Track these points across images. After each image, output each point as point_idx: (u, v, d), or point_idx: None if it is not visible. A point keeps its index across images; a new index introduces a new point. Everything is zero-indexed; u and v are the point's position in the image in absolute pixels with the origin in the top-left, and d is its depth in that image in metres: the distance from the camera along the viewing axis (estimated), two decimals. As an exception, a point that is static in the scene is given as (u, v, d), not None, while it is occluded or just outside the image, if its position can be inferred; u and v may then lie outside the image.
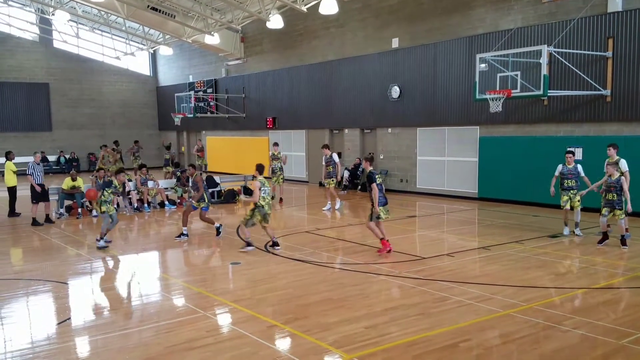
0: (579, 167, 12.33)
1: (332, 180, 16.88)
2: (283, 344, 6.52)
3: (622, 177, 10.92)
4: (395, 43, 21.12)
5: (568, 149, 12.78)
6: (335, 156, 17.11)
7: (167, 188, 18.93)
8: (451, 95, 18.94)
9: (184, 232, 12.80)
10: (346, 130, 23.88)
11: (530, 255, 10.69)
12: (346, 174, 22.39)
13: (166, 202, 18.15)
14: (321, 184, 18.76)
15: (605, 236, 11.26)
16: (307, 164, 26.05)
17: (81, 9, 28.97)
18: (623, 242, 10.97)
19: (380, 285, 8.76)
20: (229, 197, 19.53)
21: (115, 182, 12.14)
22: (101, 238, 11.80)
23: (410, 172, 20.87)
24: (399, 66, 20.79)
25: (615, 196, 10.84)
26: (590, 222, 13.25)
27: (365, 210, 17.80)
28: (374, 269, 9.73)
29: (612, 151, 11.88)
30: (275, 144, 19.48)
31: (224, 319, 7.45)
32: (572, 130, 16.03)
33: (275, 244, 11.36)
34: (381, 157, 22.06)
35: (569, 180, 12.26)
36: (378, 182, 10.58)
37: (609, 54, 14.85)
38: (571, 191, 12.26)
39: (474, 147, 18.53)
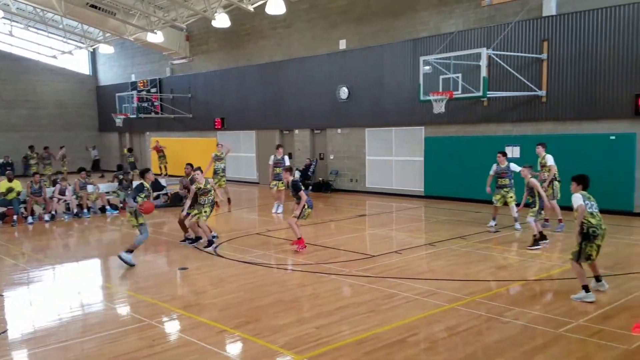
0: (512, 165, 12.95)
1: (282, 183, 16.74)
2: (233, 349, 6.53)
3: (533, 179, 11.23)
4: (343, 44, 21.39)
5: (500, 151, 13.40)
6: (286, 158, 16.88)
7: (108, 192, 18.37)
8: (397, 96, 19.37)
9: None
10: (296, 131, 24.00)
11: (472, 250, 11.13)
12: (297, 174, 22.46)
13: (107, 207, 17.58)
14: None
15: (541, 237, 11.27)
16: (258, 165, 26.00)
17: (15, 6, 27.81)
18: (535, 241, 10.95)
19: (331, 285, 8.91)
20: (176, 201, 19.17)
21: (146, 183, 10.63)
22: (131, 251, 10.39)
23: (360, 172, 21.21)
24: (347, 67, 21.07)
25: (529, 198, 11.24)
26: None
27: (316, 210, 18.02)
28: (325, 269, 9.88)
29: (540, 149, 12.75)
30: (220, 145, 19.25)
31: (171, 327, 7.32)
32: (510, 129, 16.72)
33: (193, 241, 11.96)
34: (331, 157, 22.32)
35: (502, 179, 12.95)
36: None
37: (544, 56, 15.58)
38: (504, 189, 12.93)
39: (420, 146, 19.03)
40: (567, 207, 12.81)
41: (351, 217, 15.76)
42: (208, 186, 11.77)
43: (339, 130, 22.02)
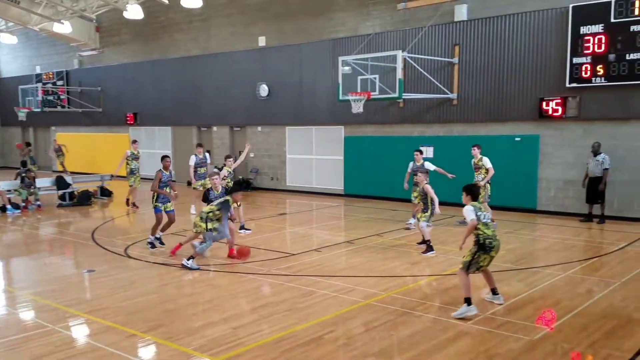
0: (426, 163, 13.23)
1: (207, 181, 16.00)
2: (144, 353, 6.30)
3: (427, 185, 11.00)
4: (262, 41, 21.23)
5: (416, 149, 13.72)
6: (207, 156, 16.11)
7: (9, 190, 17.20)
8: (317, 95, 19.51)
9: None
10: (215, 128, 23.56)
11: (388, 247, 11.40)
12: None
13: (8, 206, 16.45)
14: (189, 184, 18.18)
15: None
16: (174, 162, 25.26)
17: None
18: (428, 248, 10.69)
19: (248, 285, 8.81)
20: (84, 199, 18.32)
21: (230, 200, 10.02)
22: (193, 258, 9.71)
23: (281, 170, 21.16)
24: (268, 65, 20.95)
25: (422, 203, 11.11)
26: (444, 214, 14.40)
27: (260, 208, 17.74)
28: (243, 268, 9.75)
29: (476, 151, 13.17)
30: (134, 141, 18.16)
31: (77, 332, 6.95)
32: (424, 130, 17.30)
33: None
34: (251, 155, 22.10)
35: (417, 177, 13.15)
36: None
37: (456, 60, 16.23)
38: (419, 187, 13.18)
39: (340, 146, 19.27)
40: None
41: (271, 216, 15.68)
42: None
43: (259, 128, 21.86)
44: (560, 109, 14.50)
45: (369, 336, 6.53)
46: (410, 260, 10.34)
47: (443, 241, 11.83)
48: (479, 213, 7.20)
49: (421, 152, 13.49)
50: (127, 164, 17.44)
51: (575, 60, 14.05)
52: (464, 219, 7.40)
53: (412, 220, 13.42)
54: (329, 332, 6.62)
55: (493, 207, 15.14)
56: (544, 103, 14.71)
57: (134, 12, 22.14)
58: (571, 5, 14.03)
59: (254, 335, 6.54)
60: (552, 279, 8.84)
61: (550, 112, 14.65)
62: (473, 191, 7.49)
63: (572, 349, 6.12)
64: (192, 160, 15.51)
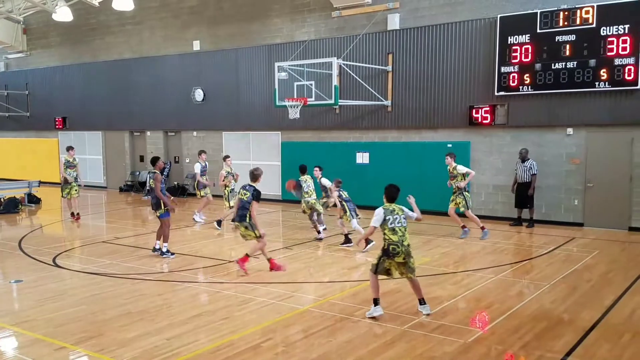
0: (324, 180, 12.82)
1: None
2: (76, 365, 6.07)
3: (335, 193, 11.82)
4: (196, 45, 20.93)
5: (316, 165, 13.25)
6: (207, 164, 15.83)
7: None
8: (254, 100, 19.41)
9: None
10: (148, 133, 22.98)
11: (327, 252, 11.48)
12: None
13: None
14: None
15: (347, 239, 11.91)
16: (105, 168, 24.50)
17: None
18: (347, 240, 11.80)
19: (184, 293, 8.63)
20: (10, 207, 17.46)
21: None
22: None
23: (217, 176, 20.79)
24: (202, 69, 20.66)
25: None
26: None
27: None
28: (179, 276, 9.55)
29: (449, 159, 13.00)
30: (70, 148, 16.46)
31: (4, 345, 6.65)
32: (360, 136, 17.55)
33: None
34: (187, 160, 21.74)
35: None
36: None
37: (389, 68, 16.58)
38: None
39: (277, 151, 19.23)
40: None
41: (207, 222, 15.43)
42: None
43: (195, 133, 21.51)
44: (489, 116, 15.07)
45: (307, 343, 6.54)
46: (347, 265, 10.44)
47: (379, 245, 11.95)
48: (388, 217, 7.19)
49: (321, 169, 13.06)
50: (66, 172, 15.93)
51: (504, 69, 14.66)
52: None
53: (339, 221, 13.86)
54: (267, 340, 6.58)
55: (424, 212, 15.57)
56: (474, 111, 15.25)
57: (63, 14, 21.40)
58: (499, 16, 14.64)
59: (190, 346, 6.41)
60: (484, 282, 9.14)
61: (480, 120, 15.20)
62: (386, 191, 7.50)
63: (505, 350, 6.32)
64: (198, 168, 15.38)
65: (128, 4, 19.61)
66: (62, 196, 16.11)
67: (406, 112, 16.50)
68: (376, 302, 7.34)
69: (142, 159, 23.46)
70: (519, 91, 14.48)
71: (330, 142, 18.04)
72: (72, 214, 15.85)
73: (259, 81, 19.23)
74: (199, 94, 20.73)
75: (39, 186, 19.97)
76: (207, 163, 15.79)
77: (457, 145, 15.71)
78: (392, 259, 7.17)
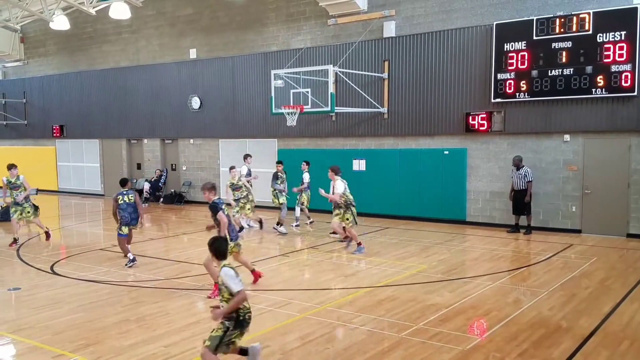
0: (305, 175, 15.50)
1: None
2: (74, 373, 6.05)
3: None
4: (193, 54, 20.97)
5: (304, 160, 15.63)
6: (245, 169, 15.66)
7: None
8: (250, 108, 19.44)
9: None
10: (145, 141, 22.98)
11: (324, 259, 11.46)
12: (147, 185, 21.60)
13: None
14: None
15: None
16: (102, 175, 24.47)
17: None
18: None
19: (182, 301, 8.60)
20: (8, 214, 17.34)
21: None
22: (281, 224, 13.92)
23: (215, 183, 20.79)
24: (199, 77, 20.70)
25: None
26: (371, 227, 14.65)
27: (168, 223, 17.37)
28: (176, 284, 9.53)
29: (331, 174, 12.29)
30: (12, 167, 13.38)
31: (2, 353, 6.64)
32: (356, 143, 17.57)
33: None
34: (184, 168, 21.73)
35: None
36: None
37: (385, 75, 16.62)
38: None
39: (274, 158, 19.18)
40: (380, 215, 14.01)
41: (204, 230, 15.35)
42: (239, 183, 14.11)
43: (192, 141, 21.52)
44: (485, 123, 15.10)
45: (305, 350, 6.52)
46: (344, 272, 10.43)
47: (376, 252, 12.02)
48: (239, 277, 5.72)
49: (308, 164, 15.43)
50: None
51: (500, 76, 14.70)
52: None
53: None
54: (264, 347, 6.53)
55: (420, 220, 15.98)
56: (471, 117, 15.28)
57: (60, 23, 21.48)
58: (495, 23, 14.69)
59: (187, 353, 6.39)
60: (482, 289, 9.12)
61: (476, 127, 15.23)
62: (215, 246, 5.97)
63: (503, 358, 6.30)
64: (245, 170, 15.55)
65: (124, 12, 19.69)
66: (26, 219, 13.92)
67: (403, 119, 16.53)
68: None
69: (139, 166, 23.44)
70: (516, 98, 14.52)
71: (326, 149, 18.06)
72: (14, 239, 13.29)
73: (255, 89, 19.27)
74: (195, 102, 20.75)
75: (36, 194, 19.91)
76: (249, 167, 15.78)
77: (453, 152, 15.76)
78: (245, 329, 5.65)
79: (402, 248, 12.53)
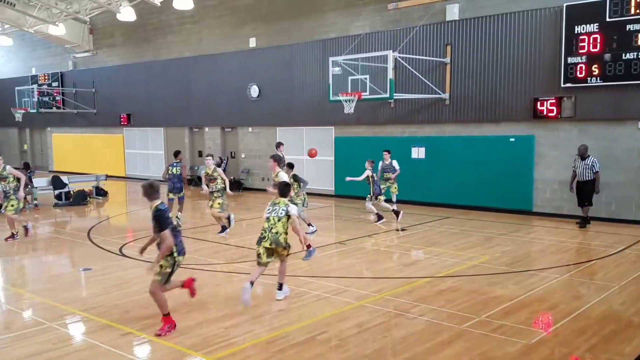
0: (394, 162, 14.84)
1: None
2: (139, 351, 6.26)
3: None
4: (252, 42, 21.18)
5: (385, 149, 15.07)
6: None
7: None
8: (308, 96, 19.44)
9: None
10: (206, 129, 23.49)
11: (381, 247, 11.35)
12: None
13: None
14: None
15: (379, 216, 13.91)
16: (166, 162, 25.21)
17: None
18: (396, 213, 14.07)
19: (241, 285, 8.66)
20: (79, 199, 18.28)
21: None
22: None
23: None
24: (258, 66, 20.89)
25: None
26: (430, 216, 14.38)
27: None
28: (235, 268, 9.69)
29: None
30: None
31: (74, 330, 6.96)
32: (415, 131, 17.24)
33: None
34: (243, 156, 22.09)
35: (386, 173, 14.81)
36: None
37: (447, 60, 16.19)
38: (389, 181, 14.83)
39: (330, 146, 19.20)
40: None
41: (262, 217, 15.55)
42: (215, 174, 12.59)
43: (250, 129, 21.80)
44: (555, 109, 14.46)
45: (361, 338, 6.47)
46: (403, 261, 10.29)
47: (436, 242, 11.80)
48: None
49: (389, 152, 14.95)
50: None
51: (570, 60, 14.01)
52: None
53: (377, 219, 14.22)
54: (321, 333, 6.56)
55: (484, 210, 15.42)
56: (539, 103, 14.66)
57: (126, 14, 22.15)
58: (565, 4, 13.99)
59: (247, 335, 6.48)
60: (549, 282, 8.76)
61: (545, 113, 14.60)
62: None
63: (569, 353, 6.04)
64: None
65: (188, 3, 20.08)
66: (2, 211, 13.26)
67: (465, 105, 16.08)
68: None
69: (200, 154, 24.01)
70: (587, 83, 13.81)
71: (384, 136, 17.81)
72: (13, 234, 12.26)
73: (312, 76, 19.24)
74: (254, 90, 20.97)
75: (106, 180, 20.87)
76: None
77: (520, 140, 15.20)
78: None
79: (463, 238, 12.23)
